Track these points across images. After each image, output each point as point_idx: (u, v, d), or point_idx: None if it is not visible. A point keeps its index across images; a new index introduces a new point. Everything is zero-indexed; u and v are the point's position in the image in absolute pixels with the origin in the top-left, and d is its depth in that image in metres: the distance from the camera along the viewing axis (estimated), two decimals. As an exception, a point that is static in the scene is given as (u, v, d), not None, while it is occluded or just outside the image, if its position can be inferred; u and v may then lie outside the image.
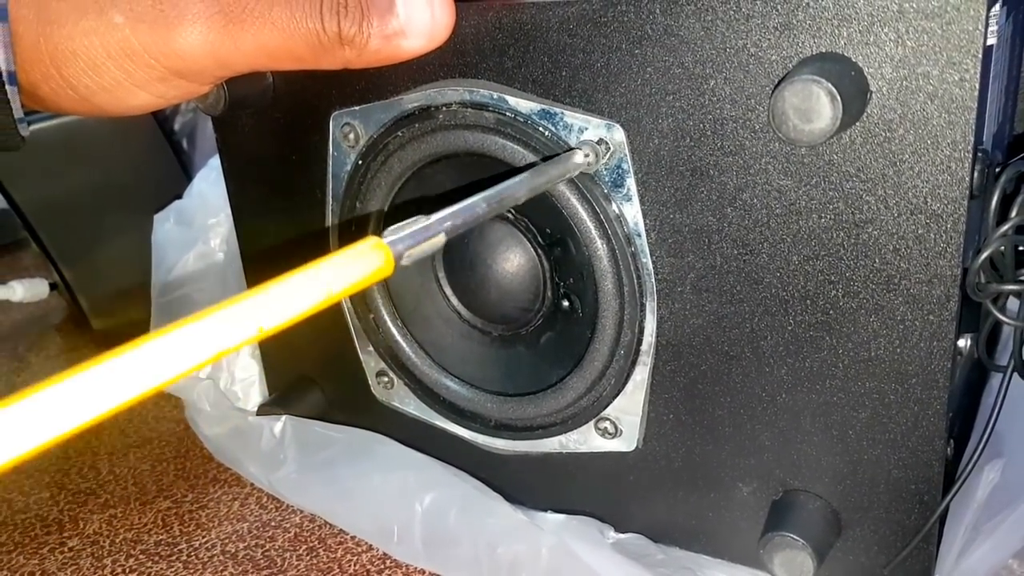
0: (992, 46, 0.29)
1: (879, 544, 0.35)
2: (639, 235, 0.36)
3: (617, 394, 0.39)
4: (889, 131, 0.30)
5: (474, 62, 0.37)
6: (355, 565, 0.43)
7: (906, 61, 0.29)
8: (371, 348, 0.46)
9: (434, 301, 0.45)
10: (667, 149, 0.34)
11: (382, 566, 0.43)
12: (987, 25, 0.28)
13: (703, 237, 0.34)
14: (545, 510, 0.41)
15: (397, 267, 0.25)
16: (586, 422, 0.40)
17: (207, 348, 0.19)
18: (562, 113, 0.35)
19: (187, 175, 0.68)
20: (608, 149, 0.35)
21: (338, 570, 0.43)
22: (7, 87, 0.34)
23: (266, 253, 0.49)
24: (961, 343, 0.33)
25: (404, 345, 0.44)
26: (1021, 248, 0.33)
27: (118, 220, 0.65)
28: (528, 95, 0.36)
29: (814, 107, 0.28)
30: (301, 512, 0.47)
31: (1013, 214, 0.32)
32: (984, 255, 0.31)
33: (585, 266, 0.37)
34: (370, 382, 0.47)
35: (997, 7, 0.29)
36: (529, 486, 0.43)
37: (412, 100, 0.39)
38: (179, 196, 0.58)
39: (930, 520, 0.34)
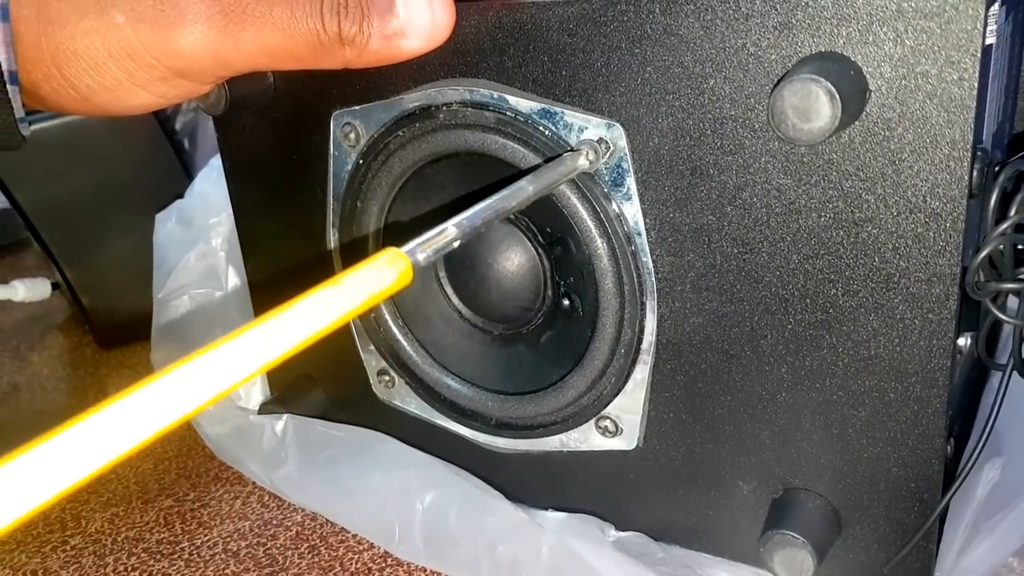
0: (991, 45, 0.29)
1: (879, 542, 0.35)
2: (639, 234, 0.36)
3: (617, 393, 0.39)
4: (888, 130, 0.30)
5: (474, 62, 0.37)
6: (356, 563, 0.43)
7: (905, 60, 0.29)
8: (372, 347, 0.46)
9: (435, 300, 0.45)
10: (667, 148, 0.34)
11: (383, 564, 0.43)
12: (986, 24, 0.28)
13: (703, 236, 0.34)
14: (546, 508, 0.41)
15: (415, 272, 0.25)
16: (587, 421, 0.40)
17: (242, 370, 0.19)
18: (562, 112, 0.36)
19: (188, 175, 0.68)
20: (608, 148, 0.35)
21: (339, 568, 0.43)
22: (8, 86, 0.34)
23: (267, 252, 0.49)
24: (961, 342, 0.33)
25: (405, 344, 0.44)
26: (1020, 246, 0.33)
27: (120, 220, 0.65)
28: (528, 94, 0.36)
29: (813, 106, 0.28)
30: (303, 510, 0.47)
31: (1012, 212, 0.32)
32: (983, 253, 0.31)
33: (585, 265, 0.37)
34: (371, 381, 0.47)
35: (996, 6, 0.29)
36: (530, 485, 0.43)
37: (413, 100, 0.39)
38: (180, 196, 0.59)
39: (930, 518, 0.34)
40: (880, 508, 0.35)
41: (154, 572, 0.44)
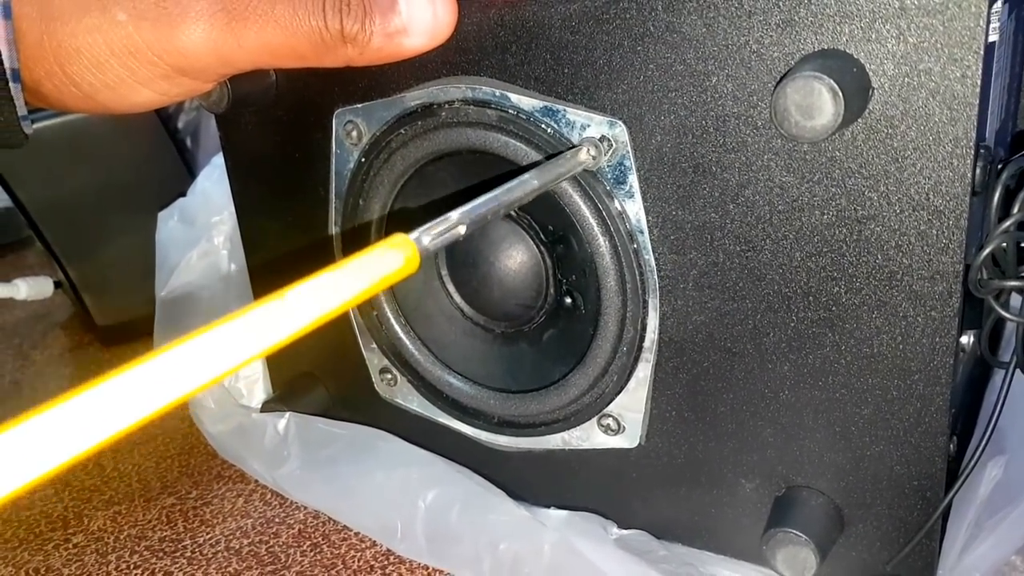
0: (994, 43, 0.29)
1: (882, 540, 0.35)
2: (641, 232, 0.36)
3: (620, 391, 0.39)
4: (891, 127, 0.30)
5: (476, 59, 0.37)
6: (359, 561, 0.43)
7: (908, 58, 0.29)
8: (374, 345, 0.46)
9: (437, 298, 0.45)
10: (669, 146, 0.34)
11: (385, 562, 0.43)
12: (989, 22, 0.28)
13: (705, 234, 0.34)
14: (548, 507, 0.41)
15: (422, 258, 0.25)
16: (589, 419, 0.40)
17: (248, 348, 0.19)
18: (564, 110, 0.36)
19: (191, 173, 0.68)
20: (610, 146, 0.35)
21: (342, 566, 0.43)
22: (11, 84, 0.34)
23: (270, 251, 0.49)
24: (964, 339, 0.33)
25: (407, 342, 0.44)
26: (1023, 244, 0.33)
27: (122, 218, 0.65)
28: (530, 92, 0.36)
29: (816, 103, 0.28)
30: (305, 508, 0.47)
31: (1015, 210, 0.32)
32: (986, 251, 0.31)
33: (587, 263, 0.37)
34: (373, 379, 0.47)
35: (999, 4, 0.29)
36: (532, 483, 0.43)
37: (414, 98, 0.39)
38: (183, 194, 0.59)
39: (933, 516, 0.34)
40: (883, 506, 0.35)
41: (156, 570, 0.44)
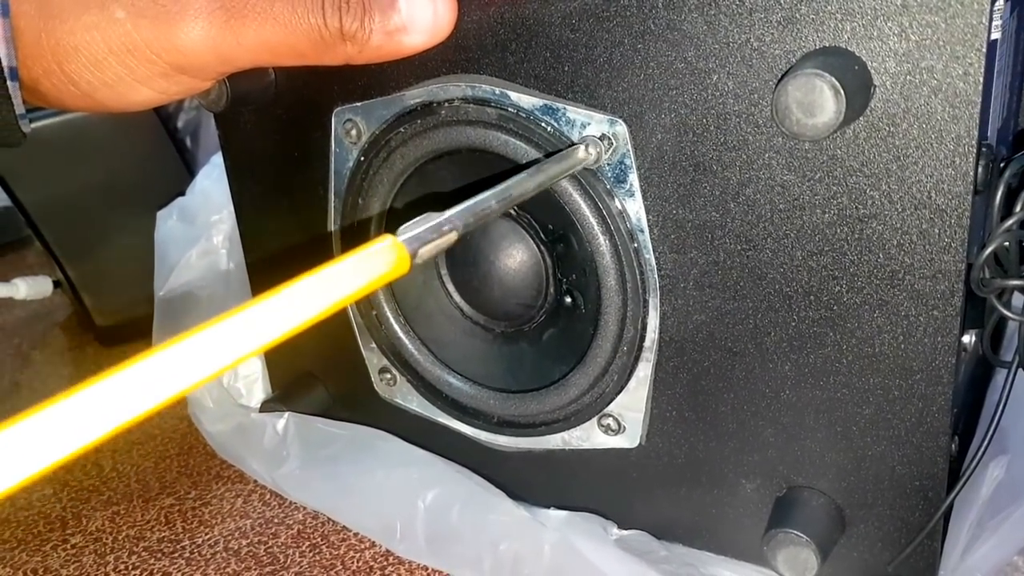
0: (996, 41, 0.29)
1: (883, 541, 0.35)
2: (642, 231, 0.36)
3: (620, 390, 0.38)
4: (893, 126, 0.30)
5: (476, 58, 0.37)
6: (358, 562, 0.43)
7: (910, 55, 0.28)
8: (374, 345, 0.46)
9: (437, 298, 0.45)
10: (670, 144, 0.34)
11: (385, 563, 0.43)
12: (991, 19, 0.27)
13: (706, 233, 0.34)
14: (548, 507, 0.41)
15: (412, 265, 0.25)
16: (589, 419, 0.40)
17: (230, 353, 0.19)
18: (565, 109, 0.35)
19: (190, 172, 0.68)
20: (611, 144, 0.35)
21: (341, 567, 0.43)
22: (8, 82, 0.34)
23: (269, 250, 0.49)
24: (965, 339, 0.33)
25: (407, 342, 0.44)
26: (1026, 243, 0.33)
27: (121, 217, 0.65)
28: (530, 91, 0.36)
29: (817, 101, 0.28)
30: (304, 509, 0.47)
31: (1018, 208, 0.32)
32: (988, 250, 0.31)
33: (588, 262, 0.37)
34: (373, 379, 0.47)
35: (1001, 2, 0.29)
36: (532, 483, 0.43)
37: (414, 96, 0.39)
38: (182, 193, 0.59)
39: (935, 517, 0.33)
40: (884, 506, 0.35)
41: (155, 571, 0.44)
